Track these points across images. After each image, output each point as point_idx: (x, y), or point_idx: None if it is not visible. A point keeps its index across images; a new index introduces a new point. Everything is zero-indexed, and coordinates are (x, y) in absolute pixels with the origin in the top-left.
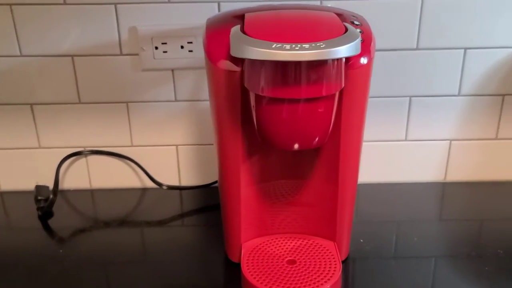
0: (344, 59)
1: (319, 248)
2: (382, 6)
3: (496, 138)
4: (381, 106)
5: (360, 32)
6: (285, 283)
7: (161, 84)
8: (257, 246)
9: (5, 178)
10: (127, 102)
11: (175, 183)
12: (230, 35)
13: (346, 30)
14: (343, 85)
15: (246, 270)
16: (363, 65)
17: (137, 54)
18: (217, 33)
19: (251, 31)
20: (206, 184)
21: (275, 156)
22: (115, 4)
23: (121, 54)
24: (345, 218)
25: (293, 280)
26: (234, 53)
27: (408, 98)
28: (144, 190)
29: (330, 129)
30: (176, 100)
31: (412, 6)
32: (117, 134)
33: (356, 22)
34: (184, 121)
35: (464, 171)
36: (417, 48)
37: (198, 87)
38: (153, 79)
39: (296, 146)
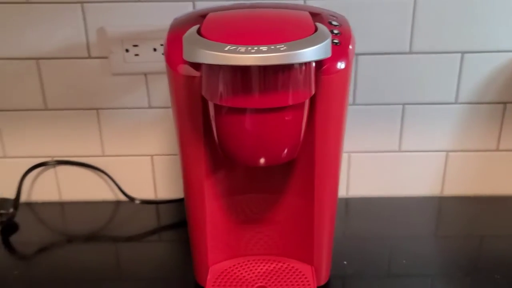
0: (314, 64)
1: (294, 272)
2: (371, 6)
3: (497, 150)
4: (372, 114)
5: (338, 33)
6: None
7: (133, 89)
8: (225, 269)
9: None
10: (97, 109)
11: (150, 195)
12: (183, 37)
13: (316, 30)
14: (313, 92)
15: None
16: (339, 70)
17: (106, 57)
18: (178, 34)
19: (207, 33)
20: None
21: (243, 168)
22: (82, 3)
23: (90, 57)
24: (323, 239)
25: None
26: (185, 56)
27: (401, 106)
28: (118, 203)
29: (301, 141)
30: (150, 107)
31: (404, 5)
32: (87, 143)
33: (334, 23)
34: (159, 129)
35: (463, 184)
36: (410, 52)
37: None
38: (124, 84)
39: (262, 161)
